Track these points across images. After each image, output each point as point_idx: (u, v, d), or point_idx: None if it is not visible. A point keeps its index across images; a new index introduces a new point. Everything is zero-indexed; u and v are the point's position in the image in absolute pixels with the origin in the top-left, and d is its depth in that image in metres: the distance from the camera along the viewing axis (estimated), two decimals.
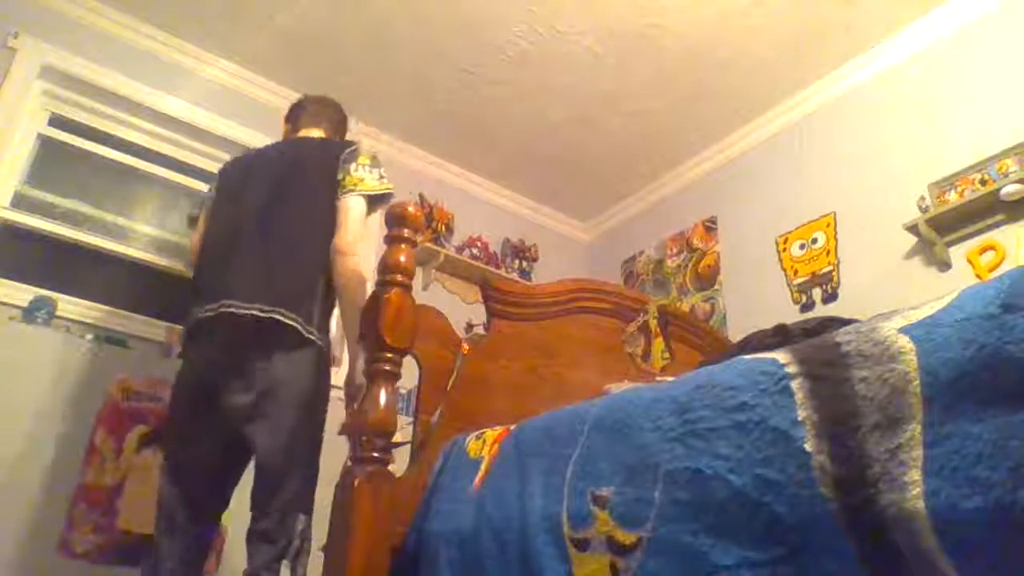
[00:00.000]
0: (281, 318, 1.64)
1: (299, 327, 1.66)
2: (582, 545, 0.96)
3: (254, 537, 1.61)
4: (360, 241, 1.79)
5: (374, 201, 1.86)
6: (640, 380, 1.73)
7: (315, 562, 1.37)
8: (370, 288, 1.56)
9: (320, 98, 2.20)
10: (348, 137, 2.19)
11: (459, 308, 3.41)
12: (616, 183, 3.91)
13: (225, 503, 1.77)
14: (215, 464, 1.72)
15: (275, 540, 1.59)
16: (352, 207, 1.80)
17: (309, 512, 1.65)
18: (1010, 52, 2.51)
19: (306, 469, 1.67)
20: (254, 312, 1.64)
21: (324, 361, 1.75)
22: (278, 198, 1.83)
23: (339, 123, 2.17)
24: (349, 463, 1.36)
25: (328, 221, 1.79)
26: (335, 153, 1.89)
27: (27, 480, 2.01)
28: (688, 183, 3.72)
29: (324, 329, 1.77)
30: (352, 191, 1.81)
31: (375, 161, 1.91)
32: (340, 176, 1.83)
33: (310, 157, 1.94)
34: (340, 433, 1.72)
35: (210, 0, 2.86)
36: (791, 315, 2.71)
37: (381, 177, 1.88)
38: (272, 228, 1.78)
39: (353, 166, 1.85)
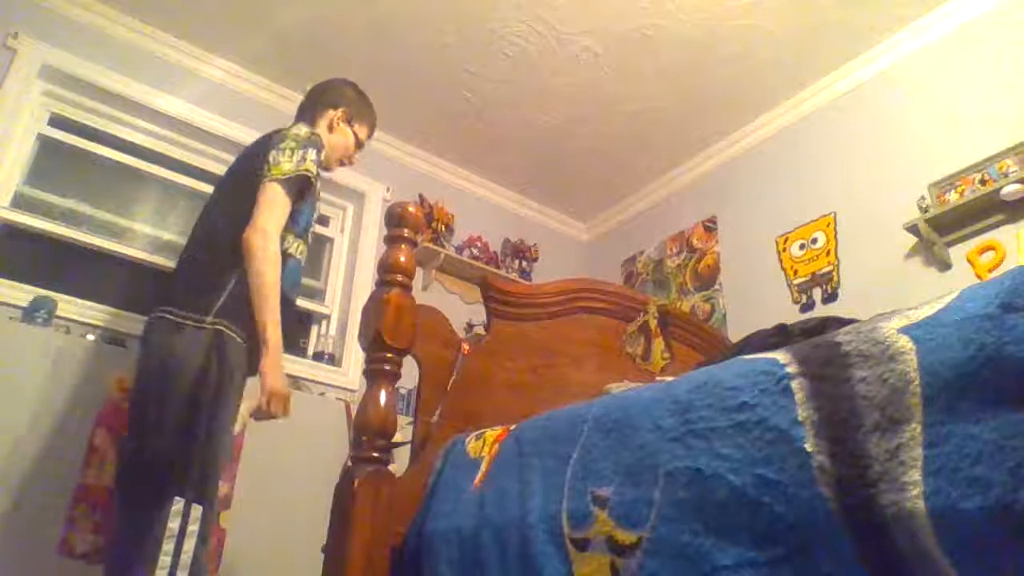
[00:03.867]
0: (171, 317, 1.67)
1: (190, 322, 1.66)
2: (582, 545, 0.96)
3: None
4: (270, 228, 1.74)
5: (292, 184, 1.81)
6: (640, 380, 1.73)
7: (315, 562, 1.37)
8: (369, 288, 1.56)
9: (311, 89, 2.19)
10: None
11: (459, 308, 3.41)
12: (616, 183, 3.91)
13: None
14: None
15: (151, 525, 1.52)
16: (262, 196, 1.77)
17: (189, 497, 1.55)
18: (1010, 51, 2.51)
19: (182, 449, 1.59)
20: (158, 315, 1.71)
21: (220, 343, 1.68)
22: (208, 208, 1.90)
23: (308, 108, 2.13)
24: (349, 463, 1.36)
25: (247, 215, 1.76)
26: (265, 144, 1.87)
27: (27, 480, 2.01)
28: (688, 183, 3.72)
29: (232, 315, 1.71)
30: (266, 178, 1.78)
31: (300, 142, 1.85)
32: (264, 166, 1.80)
33: (243, 157, 1.96)
34: (256, 418, 1.74)
35: (210, 0, 2.86)
36: (791, 315, 2.71)
37: (302, 159, 1.82)
38: (196, 236, 1.86)
39: (274, 153, 1.82)
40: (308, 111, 2.12)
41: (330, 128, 2.10)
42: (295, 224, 1.86)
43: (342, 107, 2.12)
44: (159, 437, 1.59)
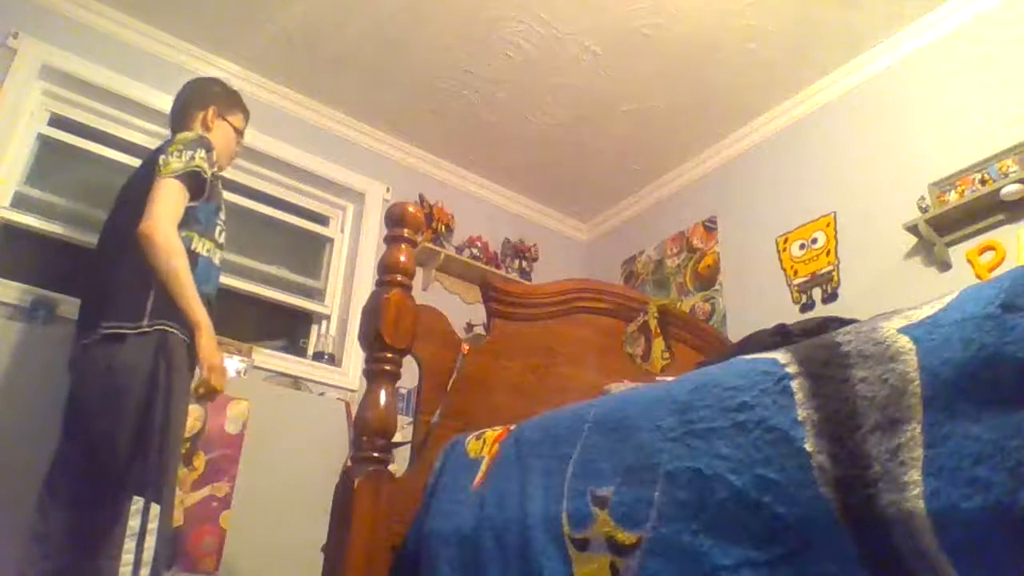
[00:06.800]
0: (106, 331, 1.71)
1: (124, 329, 1.71)
2: (582, 545, 0.96)
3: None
4: (164, 222, 1.78)
5: (184, 180, 1.85)
6: (640, 380, 1.73)
7: (315, 562, 1.37)
8: (369, 288, 1.57)
9: (176, 99, 2.23)
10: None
11: (459, 308, 3.41)
12: (616, 183, 3.91)
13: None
14: None
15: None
16: (154, 192, 1.82)
17: (148, 496, 1.61)
18: (1010, 51, 2.51)
19: (138, 451, 1.65)
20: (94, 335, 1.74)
21: (165, 344, 1.73)
22: (111, 220, 1.99)
23: (179, 115, 2.16)
24: (349, 463, 1.36)
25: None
26: (157, 152, 1.94)
27: (27, 481, 2.01)
28: (688, 183, 3.72)
29: (167, 313, 1.76)
30: (157, 176, 1.84)
31: (187, 143, 1.92)
32: (155, 168, 1.86)
33: (141, 167, 2.02)
34: (198, 398, 1.81)
35: (211, 1, 2.86)
36: (791, 315, 2.71)
37: (191, 158, 1.88)
38: (108, 248, 1.94)
39: (163, 157, 1.88)
40: (180, 118, 2.15)
41: (206, 127, 2.13)
42: (196, 222, 1.91)
43: (211, 104, 2.16)
44: (115, 444, 1.66)
